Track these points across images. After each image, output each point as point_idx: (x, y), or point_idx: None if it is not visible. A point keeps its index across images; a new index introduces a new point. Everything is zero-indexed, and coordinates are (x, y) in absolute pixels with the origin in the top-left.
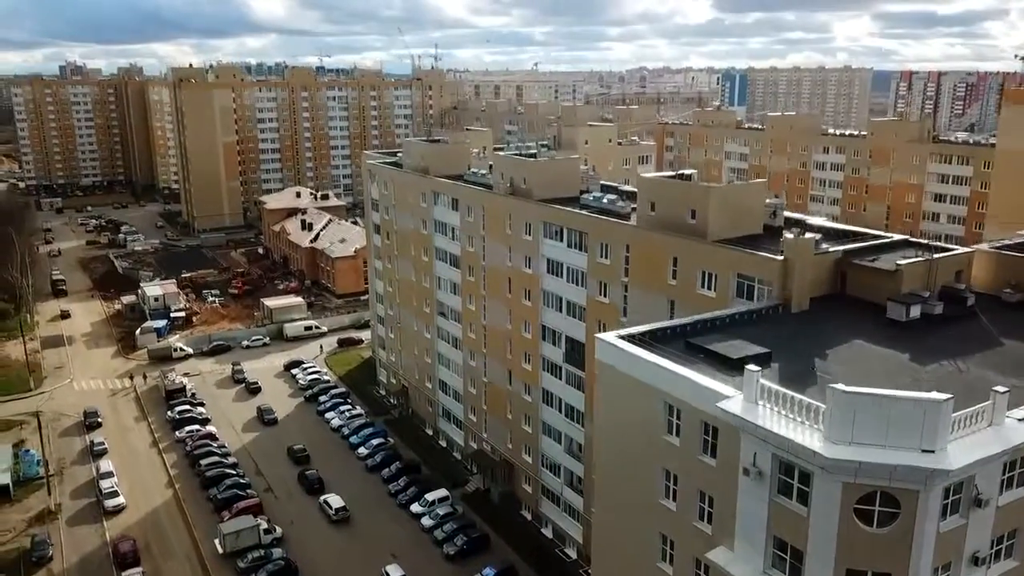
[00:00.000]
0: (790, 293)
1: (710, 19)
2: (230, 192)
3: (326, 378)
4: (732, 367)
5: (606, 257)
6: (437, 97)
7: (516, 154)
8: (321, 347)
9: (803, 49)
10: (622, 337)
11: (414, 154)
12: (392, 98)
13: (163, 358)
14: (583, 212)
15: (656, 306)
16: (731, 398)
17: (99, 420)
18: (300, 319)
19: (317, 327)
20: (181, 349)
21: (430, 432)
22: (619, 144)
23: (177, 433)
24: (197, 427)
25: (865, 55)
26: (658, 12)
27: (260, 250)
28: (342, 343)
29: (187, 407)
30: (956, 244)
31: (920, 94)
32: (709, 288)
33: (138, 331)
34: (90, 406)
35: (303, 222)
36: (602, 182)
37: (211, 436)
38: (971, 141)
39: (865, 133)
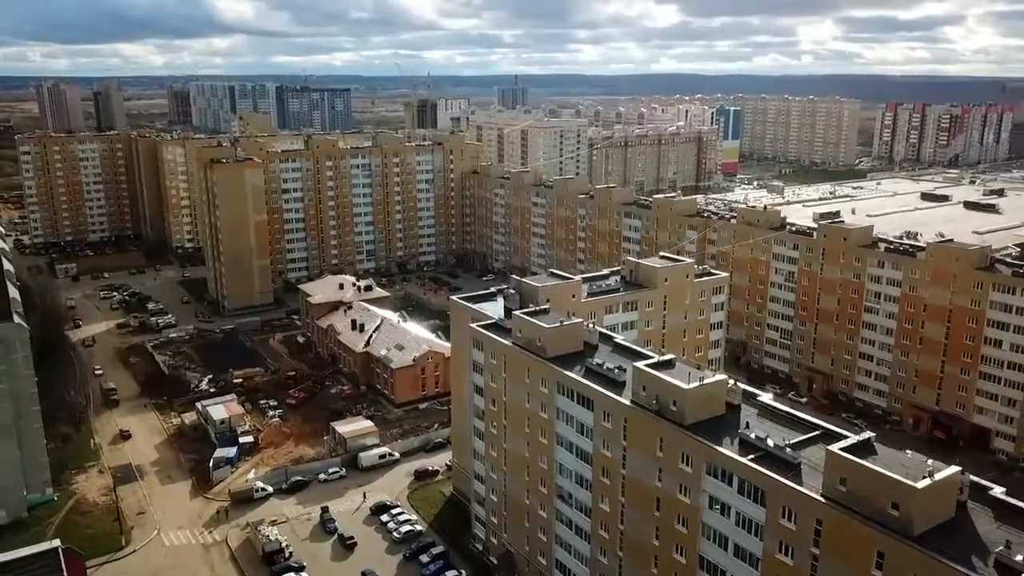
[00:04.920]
0: None
1: (677, 23)
2: (260, 271)
3: (418, 528)
4: None
5: (791, 521)
6: (458, 160)
7: (652, 364)
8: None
9: (769, 52)
10: None
11: (527, 330)
12: (415, 162)
13: (245, 499)
14: (752, 464)
15: None
16: None
17: None
18: (373, 446)
19: (390, 454)
20: (262, 489)
21: None
22: (696, 278)
23: None
24: None
25: (830, 58)
26: (627, 15)
27: (300, 339)
28: (419, 475)
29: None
30: None
31: (906, 124)
32: None
33: (211, 463)
34: None
35: (353, 322)
36: (742, 387)
37: None
38: None
39: (923, 246)
